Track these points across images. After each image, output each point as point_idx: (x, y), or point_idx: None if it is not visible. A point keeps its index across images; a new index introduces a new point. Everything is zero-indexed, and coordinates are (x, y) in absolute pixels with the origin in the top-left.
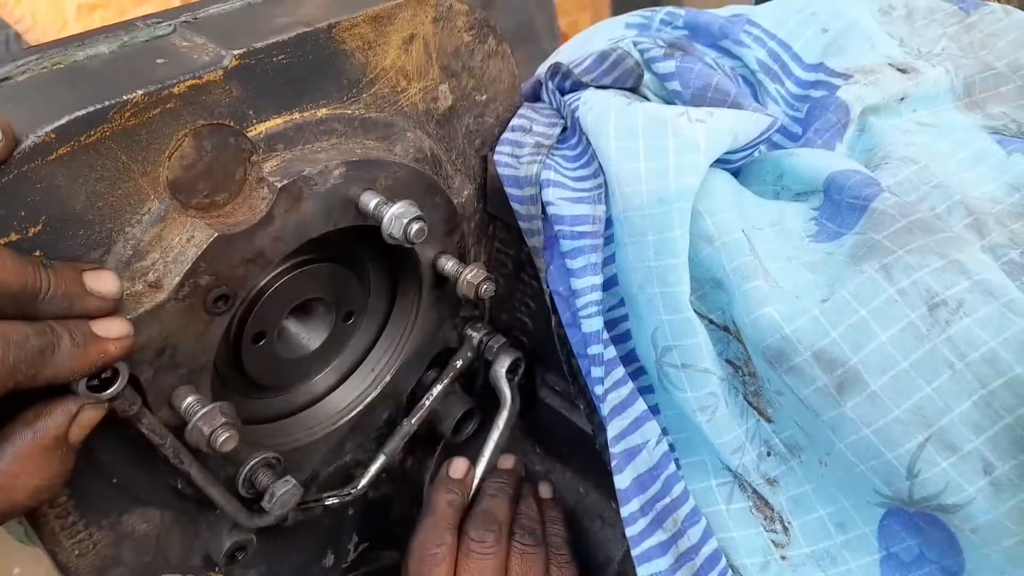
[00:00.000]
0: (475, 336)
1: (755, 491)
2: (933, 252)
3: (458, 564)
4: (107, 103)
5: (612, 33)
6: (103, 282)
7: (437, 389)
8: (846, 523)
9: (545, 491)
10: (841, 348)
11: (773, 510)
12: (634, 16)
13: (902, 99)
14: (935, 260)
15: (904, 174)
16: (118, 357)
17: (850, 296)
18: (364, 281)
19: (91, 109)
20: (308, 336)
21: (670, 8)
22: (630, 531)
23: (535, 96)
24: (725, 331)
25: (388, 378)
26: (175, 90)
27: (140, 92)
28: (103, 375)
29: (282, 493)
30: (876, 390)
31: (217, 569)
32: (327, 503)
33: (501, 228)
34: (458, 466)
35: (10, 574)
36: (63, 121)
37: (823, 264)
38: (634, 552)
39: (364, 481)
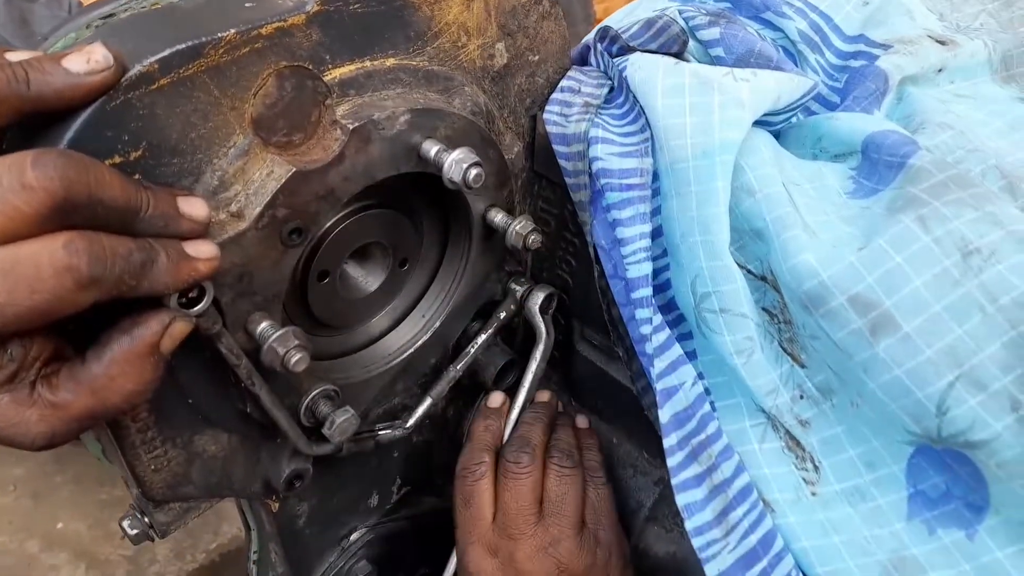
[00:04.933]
0: (518, 290)
1: (787, 432)
2: (968, 204)
3: (498, 484)
4: (203, 39)
5: (656, 4)
6: (194, 207)
7: (481, 338)
8: (875, 462)
9: (582, 422)
10: (876, 292)
11: (804, 450)
12: None
13: (940, 70)
14: (970, 212)
15: (941, 138)
16: (206, 276)
17: (886, 244)
18: (418, 230)
19: (190, 44)
20: (366, 279)
21: None
22: (670, 462)
23: (582, 62)
24: (762, 280)
25: (437, 325)
26: (263, 31)
27: (233, 31)
28: (190, 295)
29: (341, 421)
30: (909, 332)
31: (275, 497)
32: (380, 434)
33: (546, 187)
34: (495, 398)
35: (54, 528)
36: (165, 53)
37: (860, 218)
38: (673, 482)
39: (412, 420)
